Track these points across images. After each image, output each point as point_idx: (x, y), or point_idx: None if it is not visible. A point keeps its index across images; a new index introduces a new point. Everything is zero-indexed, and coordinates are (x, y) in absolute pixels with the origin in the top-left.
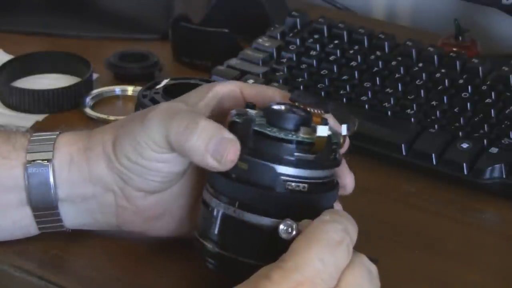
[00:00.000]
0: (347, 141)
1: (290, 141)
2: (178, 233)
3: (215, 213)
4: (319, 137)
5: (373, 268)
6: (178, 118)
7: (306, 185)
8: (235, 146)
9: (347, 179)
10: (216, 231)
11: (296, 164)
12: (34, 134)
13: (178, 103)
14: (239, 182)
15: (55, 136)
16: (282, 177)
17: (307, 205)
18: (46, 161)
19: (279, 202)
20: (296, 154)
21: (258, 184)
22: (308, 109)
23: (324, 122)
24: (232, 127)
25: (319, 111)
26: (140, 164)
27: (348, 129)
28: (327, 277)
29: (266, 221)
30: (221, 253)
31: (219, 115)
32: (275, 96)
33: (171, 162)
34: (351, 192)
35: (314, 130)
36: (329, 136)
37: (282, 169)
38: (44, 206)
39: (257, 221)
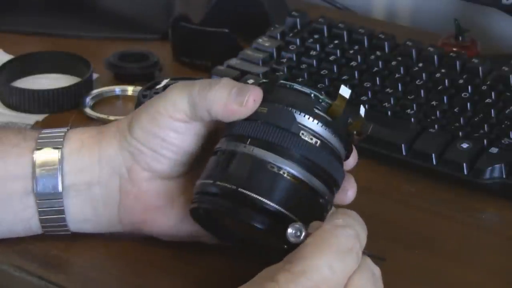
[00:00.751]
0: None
1: (311, 95)
2: (176, 233)
3: (224, 154)
4: (341, 96)
5: (377, 270)
6: (199, 82)
7: (318, 141)
8: (257, 89)
9: (350, 185)
10: (227, 170)
11: (314, 117)
12: (44, 129)
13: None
14: (255, 121)
15: (65, 130)
16: (299, 124)
17: (317, 160)
18: (55, 149)
19: (291, 142)
20: (315, 108)
21: (274, 125)
22: None
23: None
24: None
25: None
26: (154, 133)
27: (364, 112)
28: (334, 284)
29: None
30: (233, 189)
31: None
32: None
33: (185, 133)
34: (349, 202)
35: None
36: (349, 98)
37: (299, 117)
38: (48, 193)
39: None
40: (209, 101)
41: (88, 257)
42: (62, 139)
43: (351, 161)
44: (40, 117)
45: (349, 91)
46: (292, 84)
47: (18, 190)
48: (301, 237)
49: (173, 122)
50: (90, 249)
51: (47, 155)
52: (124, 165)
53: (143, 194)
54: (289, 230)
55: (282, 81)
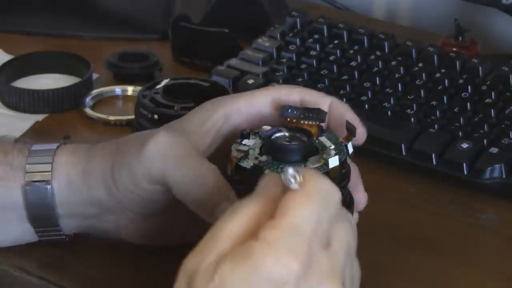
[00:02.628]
0: (361, 133)
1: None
2: (183, 242)
3: None
4: (333, 168)
5: (351, 218)
6: (181, 166)
7: None
8: None
9: (360, 195)
10: None
11: None
12: (31, 149)
13: (177, 137)
14: None
15: (52, 154)
16: None
17: None
18: (44, 182)
19: None
20: None
21: None
22: (302, 122)
23: (320, 133)
24: (238, 171)
25: (314, 122)
26: (138, 194)
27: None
28: (322, 235)
29: None
30: None
31: (227, 135)
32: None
33: (168, 194)
34: (362, 209)
35: (322, 157)
36: (340, 161)
37: None
38: (44, 223)
39: None
40: (193, 206)
41: (88, 257)
42: (50, 171)
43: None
44: (40, 117)
45: (336, 157)
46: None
47: (14, 219)
48: (295, 183)
49: (155, 186)
50: (90, 249)
51: (37, 190)
52: (116, 208)
53: (141, 229)
54: (290, 171)
55: (266, 172)
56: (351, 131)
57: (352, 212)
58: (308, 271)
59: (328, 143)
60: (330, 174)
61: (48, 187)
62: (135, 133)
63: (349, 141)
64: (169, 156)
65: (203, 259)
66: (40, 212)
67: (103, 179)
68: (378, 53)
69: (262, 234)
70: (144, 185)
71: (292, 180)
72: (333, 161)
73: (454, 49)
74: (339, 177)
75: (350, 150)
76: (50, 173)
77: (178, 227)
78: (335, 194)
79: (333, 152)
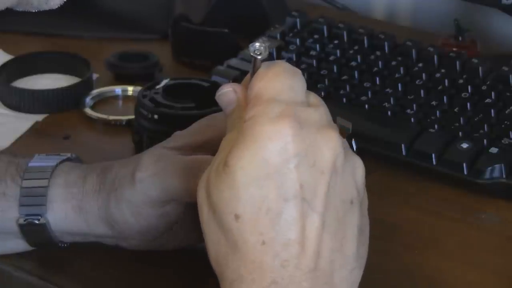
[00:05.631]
0: None
1: None
2: (184, 245)
3: None
4: None
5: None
6: (174, 173)
7: None
8: None
9: None
10: None
11: None
12: (25, 177)
13: (158, 154)
14: None
15: (46, 185)
16: None
17: None
18: (39, 216)
19: None
20: None
21: None
22: None
23: None
24: None
25: None
26: (140, 224)
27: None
28: (301, 100)
29: None
30: None
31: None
32: None
33: (170, 213)
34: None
35: None
36: None
37: None
38: (42, 244)
39: None
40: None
41: (88, 257)
42: (45, 204)
43: None
44: (40, 117)
45: None
46: None
47: (11, 238)
48: (262, 56)
49: (156, 211)
50: (90, 249)
51: (33, 224)
52: (116, 237)
53: (142, 247)
54: (257, 44)
55: None
56: (345, 128)
57: None
58: (303, 127)
59: None
60: None
61: (44, 223)
62: (119, 162)
63: (344, 137)
64: (160, 172)
65: (213, 164)
66: (38, 238)
67: (101, 217)
68: (378, 53)
69: (248, 115)
70: (146, 212)
71: (257, 52)
72: None
73: (454, 49)
74: None
75: (354, 146)
76: (45, 206)
77: (178, 239)
78: (298, 70)
79: None
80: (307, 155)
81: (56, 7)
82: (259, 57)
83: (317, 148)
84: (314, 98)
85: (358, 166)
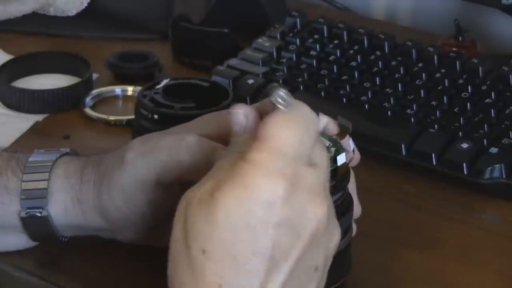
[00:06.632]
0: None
1: None
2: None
3: None
4: (341, 165)
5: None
6: (162, 148)
7: None
8: None
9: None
10: None
11: None
12: (25, 170)
13: (147, 137)
14: None
15: (47, 178)
16: None
17: None
18: (41, 209)
19: None
20: None
21: None
22: None
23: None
24: None
25: None
26: (133, 212)
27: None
28: (305, 156)
29: None
30: None
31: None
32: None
33: (162, 202)
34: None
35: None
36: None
37: None
38: (44, 237)
39: None
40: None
41: (87, 257)
42: (46, 197)
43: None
44: (40, 117)
45: (343, 154)
46: None
47: (12, 233)
48: (284, 104)
49: (148, 195)
50: (89, 249)
51: (35, 217)
52: (112, 229)
53: (139, 240)
54: (280, 92)
55: None
56: (345, 127)
57: (351, 214)
58: (295, 190)
59: (326, 142)
60: (338, 170)
61: (45, 215)
62: (113, 151)
63: (343, 138)
64: (148, 151)
65: (200, 189)
66: (40, 232)
67: (95, 207)
68: (378, 53)
69: (250, 156)
70: (137, 198)
71: (281, 101)
72: (341, 158)
73: (454, 49)
74: (342, 175)
75: (352, 146)
76: (46, 199)
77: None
78: (315, 119)
79: (333, 149)
80: (291, 218)
81: (72, 14)
82: (282, 107)
83: (303, 214)
84: (319, 154)
85: (335, 235)
